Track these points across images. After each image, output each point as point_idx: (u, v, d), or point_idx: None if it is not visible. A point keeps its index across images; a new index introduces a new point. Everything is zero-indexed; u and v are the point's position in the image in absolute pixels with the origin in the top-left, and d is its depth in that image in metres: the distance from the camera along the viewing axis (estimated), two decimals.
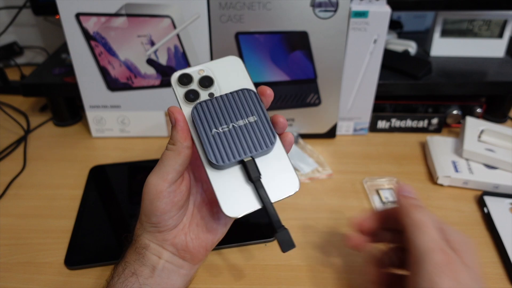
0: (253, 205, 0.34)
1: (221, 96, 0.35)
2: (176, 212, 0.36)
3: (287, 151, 0.36)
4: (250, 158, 0.34)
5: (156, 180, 0.35)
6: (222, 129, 0.34)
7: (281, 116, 0.35)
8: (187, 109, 0.35)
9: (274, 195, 0.34)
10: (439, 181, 0.58)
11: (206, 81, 0.36)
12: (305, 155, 0.64)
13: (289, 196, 0.34)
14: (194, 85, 0.36)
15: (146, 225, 0.36)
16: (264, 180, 0.34)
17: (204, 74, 0.37)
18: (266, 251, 0.48)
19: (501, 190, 0.56)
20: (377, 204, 0.55)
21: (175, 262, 0.37)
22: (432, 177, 0.60)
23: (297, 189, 0.34)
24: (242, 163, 0.34)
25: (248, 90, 0.36)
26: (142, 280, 0.35)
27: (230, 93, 0.35)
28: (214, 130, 0.34)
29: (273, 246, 0.49)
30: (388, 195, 0.56)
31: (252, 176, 0.33)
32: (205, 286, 0.44)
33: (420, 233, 0.33)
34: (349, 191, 0.58)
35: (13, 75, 0.87)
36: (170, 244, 0.37)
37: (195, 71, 0.37)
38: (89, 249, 0.48)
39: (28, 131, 0.71)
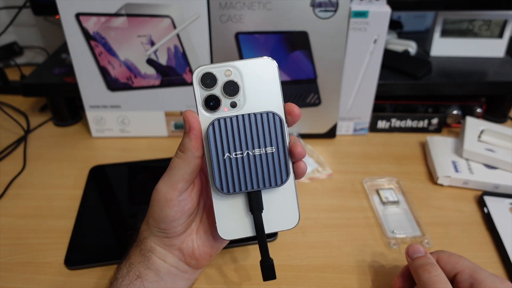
0: (247, 232, 0.35)
1: (243, 115, 0.32)
2: (186, 219, 0.36)
3: (299, 178, 0.35)
4: (257, 190, 0.33)
5: (166, 188, 0.34)
6: (235, 155, 0.32)
7: (300, 146, 0.33)
8: (204, 115, 0.33)
9: (271, 226, 0.34)
10: (439, 181, 0.58)
11: (231, 87, 0.33)
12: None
13: (287, 229, 0.35)
14: (217, 90, 0.33)
15: (154, 229, 0.36)
16: (264, 211, 0.34)
17: (231, 78, 0.33)
18: None
19: (501, 190, 0.56)
20: (377, 204, 0.55)
21: (180, 267, 0.37)
22: (432, 177, 0.60)
23: (295, 225, 0.35)
24: (248, 193, 0.34)
25: (274, 114, 0.32)
26: (147, 284, 0.35)
27: (254, 114, 0.32)
28: (227, 154, 0.32)
29: (273, 246, 0.49)
30: (388, 195, 0.56)
31: (254, 209, 0.33)
32: (205, 286, 0.44)
33: None
34: (349, 191, 0.58)
35: (13, 75, 0.87)
36: (177, 249, 0.37)
37: (221, 71, 0.32)
38: (89, 249, 0.48)
39: (28, 131, 0.71)
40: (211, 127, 0.32)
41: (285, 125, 0.33)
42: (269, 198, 0.34)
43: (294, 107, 0.33)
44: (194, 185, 0.35)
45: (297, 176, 0.34)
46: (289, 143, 0.33)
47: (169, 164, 0.34)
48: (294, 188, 0.34)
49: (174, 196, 0.34)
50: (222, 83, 0.33)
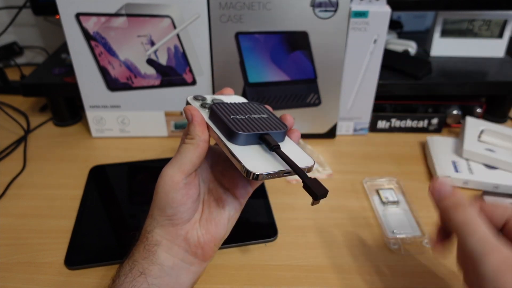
0: (276, 167, 0.34)
1: (234, 102, 0.40)
2: (191, 205, 0.36)
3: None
4: (268, 134, 0.36)
5: (173, 171, 0.35)
6: (239, 116, 0.37)
7: (289, 115, 0.39)
8: (203, 112, 0.38)
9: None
10: None
11: (218, 101, 0.40)
12: None
13: (308, 167, 0.35)
14: (208, 102, 0.40)
15: (160, 219, 0.36)
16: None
17: (215, 98, 0.41)
18: (266, 251, 0.48)
19: (501, 190, 0.56)
20: (377, 204, 0.55)
21: (186, 259, 0.37)
22: (432, 177, 0.60)
23: (313, 163, 0.36)
24: (261, 139, 0.35)
25: (254, 102, 0.40)
26: (151, 280, 0.35)
27: (242, 102, 0.40)
28: (232, 116, 0.36)
29: (273, 246, 0.49)
30: (388, 195, 0.56)
31: (272, 144, 0.34)
32: (205, 286, 0.44)
33: (468, 236, 0.31)
34: (349, 191, 0.58)
35: (13, 75, 0.87)
36: (183, 239, 0.37)
37: (207, 96, 0.41)
38: (89, 249, 0.48)
39: (28, 131, 0.71)
40: (213, 106, 0.38)
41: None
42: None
43: (286, 115, 0.39)
44: (195, 174, 0.37)
45: (293, 140, 0.38)
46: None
47: (177, 151, 0.36)
48: (296, 144, 0.37)
49: (180, 178, 0.35)
50: (211, 99, 0.41)
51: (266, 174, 0.33)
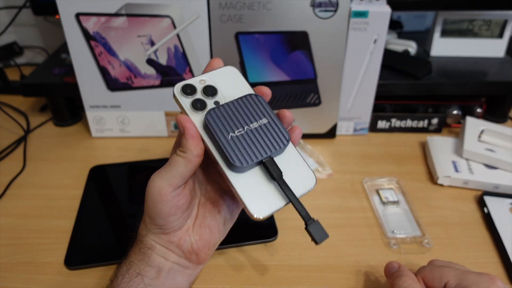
0: (279, 203, 0.34)
1: (228, 103, 0.35)
2: (181, 215, 0.36)
3: (296, 144, 0.37)
4: (269, 158, 0.34)
5: (161, 183, 0.34)
6: (238, 132, 0.34)
7: (287, 110, 0.37)
8: (195, 117, 0.35)
9: (297, 190, 0.34)
10: (439, 181, 0.58)
11: (210, 90, 0.36)
12: (305, 155, 0.64)
13: (310, 190, 0.34)
14: (199, 95, 0.36)
15: (151, 227, 0.36)
16: (285, 178, 0.34)
17: (206, 83, 0.37)
18: (266, 251, 0.48)
19: (501, 190, 0.56)
20: (377, 204, 0.55)
21: (182, 263, 0.37)
22: (432, 177, 0.60)
23: (315, 183, 0.35)
24: (262, 163, 0.34)
25: (254, 95, 0.36)
26: (148, 280, 0.35)
27: (237, 99, 0.36)
28: (231, 134, 0.34)
29: (273, 246, 0.49)
30: (388, 195, 0.56)
31: (275, 175, 0.33)
32: (205, 286, 0.44)
33: None
34: (349, 191, 0.58)
35: (13, 75, 0.87)
36: (176, 246, 0.37)
37: (196, 81, 0.37)
38: (89, 249, 0.48)
39: (28, 131, 0.71)
40: (208, 116, 0.34)
41: (265, 100, 0.37)
42: (281, 166, 0.34)
43: (285, 111, 0.37)
44: (186, 183, 0.36)
45: (294, 139, 0.36)
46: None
47: (168, 161, 0.35)
48: (297, 151, 0.36)
49: (168, 191, 0.34)
50: (201, 89, 0.36)
51: (271, 213, 0.33)
